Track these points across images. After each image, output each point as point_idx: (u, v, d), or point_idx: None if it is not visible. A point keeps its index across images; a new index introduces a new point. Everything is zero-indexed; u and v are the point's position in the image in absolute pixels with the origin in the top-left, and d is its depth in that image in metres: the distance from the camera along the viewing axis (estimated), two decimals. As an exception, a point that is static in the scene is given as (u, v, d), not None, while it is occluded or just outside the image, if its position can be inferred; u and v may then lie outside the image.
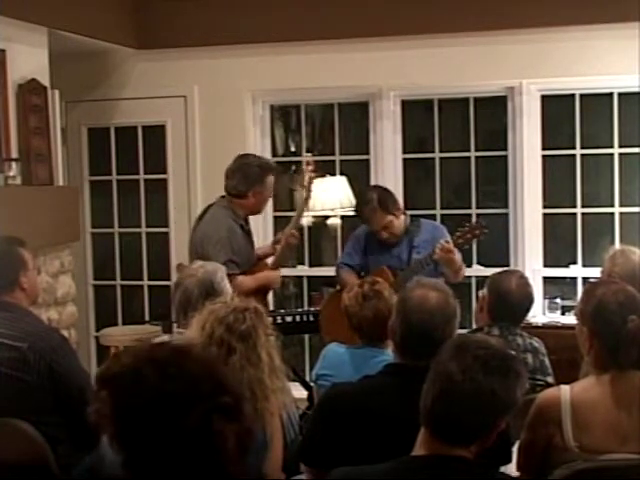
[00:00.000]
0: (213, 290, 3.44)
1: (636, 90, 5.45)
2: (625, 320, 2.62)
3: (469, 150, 5.92)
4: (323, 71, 5.88)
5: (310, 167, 5.01)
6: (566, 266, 5.82)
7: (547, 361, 3.61)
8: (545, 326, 5.33)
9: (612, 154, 5.67)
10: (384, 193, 4.85)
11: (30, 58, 5.18)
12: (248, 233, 4.74)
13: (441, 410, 2.02)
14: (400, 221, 4.81)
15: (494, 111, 6.03)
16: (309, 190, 4.91)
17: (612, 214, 5.70)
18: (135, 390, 1.51)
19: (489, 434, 2.04)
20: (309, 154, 6.42)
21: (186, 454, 1.49)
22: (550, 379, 3.53)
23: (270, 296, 6.21)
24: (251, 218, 5.62)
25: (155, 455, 1.50)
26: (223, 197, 4.72)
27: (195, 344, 1.65)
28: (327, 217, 6.48)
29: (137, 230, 6.41)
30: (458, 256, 4.62)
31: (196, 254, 4.51)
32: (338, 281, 4.99)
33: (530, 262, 5.74)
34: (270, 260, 4.96)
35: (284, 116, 6.71)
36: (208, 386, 1.52)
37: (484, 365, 2.01)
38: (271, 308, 5.77)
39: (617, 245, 5.21)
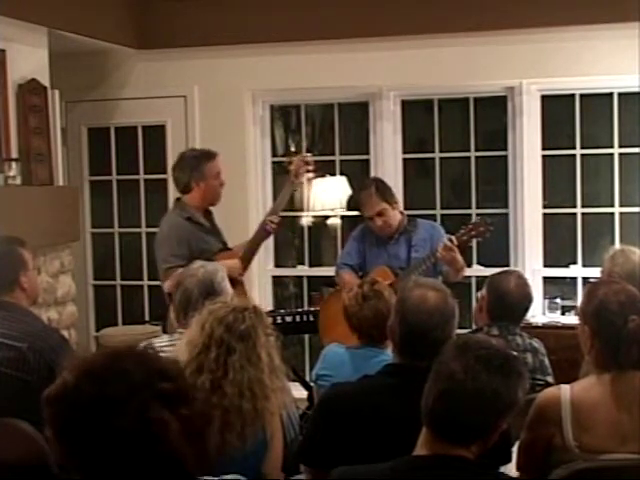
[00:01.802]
0: (213, 290, 3.44)
1: (636, 90, 5.45)
2: (626, 320, 2.63)
3: (469, 150, 5.92)
4: (323, 71, 5.88)
5: (303, 160, 4.96)
6: (566, 266, 5.82)
7: (547, 361, 3.61)
8: (545, 326, 5.33)
9: (612, 154, 5.67)
10: (383, 183, 4.92)
11: (30, 58, 5.18)
12: (203, 225, 4.67)
13: (443, 410, 2.02)
14: (395, 213, 4.82)
15: (494, 111, 6.03)
16: (296, 175, 4.87)
17: (612, 214, 5.70)
18: (72, 405, 1.52)
19: (490, 434, 2.04)
20: (309, 154, 6.43)
21: (130, 448, 1.49)
22: (550, 379, 3.53)
23: (270, 296, 6.24)
24: (251, 219, 5.63)
25: (104, 457, 1.51)
26: (177, 199, 4.76)
27: (135, 346, 1.67)
28: (327, 217, 6.49)
29: (137, 230, 6.40)
30: (459, 256, 4.64)
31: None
32: (338, 281, 4.99)
33: (530, 262, 5.74)
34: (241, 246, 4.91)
35: (284, 116, 6.72)
36: (140, 376, 1.52)
37: (486, 365, 2.01)
38: (271, 308, 5.77)
39: (617, 245, 5.21)
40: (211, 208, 4.77)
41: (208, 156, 4.68)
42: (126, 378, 1.51)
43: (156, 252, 4.62)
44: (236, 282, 4.64)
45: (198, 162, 4.64)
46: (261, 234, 4.84)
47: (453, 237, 4.61)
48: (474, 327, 4.06)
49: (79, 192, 5.88)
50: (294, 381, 4.84)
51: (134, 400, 1.49)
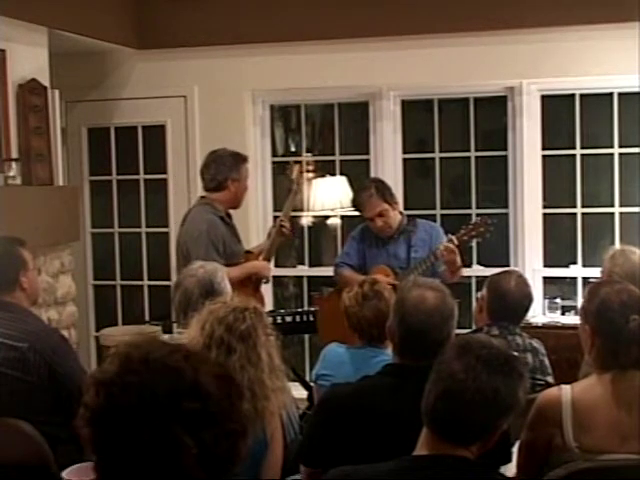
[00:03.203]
0: (213, 290, 3.45)
1: (636, 90, 5.45)
2: (627, 319, 2.63)
3: (469, 150, 5.92)
4: (323, 71, 5.88)
5: (301, 165, 5.06)
6: (566, 266, 5.82)
7: (547, 361, 3.62)
8: (545, 326, 5.33)
9: (612, 154, 5.67)
10: (382, 184, 4.94)
11: (30, 58, 5.18)
12: (231, 227, 4.76)
13: (444, 410, 2.02)
14: (395, 213, 4.84)
15: (494, 111, 6.03)
16: (297, 182, 4.99)
17: (612, 214, 5.70)
18: (108, 399, 1.47)
19: (491, 435, 2.04)
20: (309, 154, 6.43)
21: (141, 461, 1.44)
22: (550, 379, 3.54)
23: (270, 296, 6.24)
24: (250, 220, 5.63)
25: (117, 464, 1.47)
26: (202, 197, 4.80)
27: (179, 349, 1.55)
28: (327, 217, 6.49)
29: (137, 230, 6.40)
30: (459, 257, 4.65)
31: (182, 255, 4.61)
32: (338, 280, 4.99)
33: (530, 262, 5.74)
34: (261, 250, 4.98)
35: (284, 116, 6.71)
36: (165, 391, 1.44)
37: (487, 365, 2.01)
38: (271, 308, 5.78)
39: (617, 245, 5.21)
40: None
41: (244, 159, 4.79)
42: (149, 392, 1.44)
43: (191, 247, 4.55)
44: (258, 285, 4.70)
45: (236, 162, 4.73)
46: (278, 237, 4.93)
47: (453, 237, 4.61)
48: (474, 327, 4.06)
49: (79, 192, 5.87)
50: (294, 381, 4.85)
51: (154, 418, 1.43)
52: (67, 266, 5.45)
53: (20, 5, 4.91)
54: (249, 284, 4.63)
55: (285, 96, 6.16)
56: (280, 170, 6.34)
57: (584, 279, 5.61)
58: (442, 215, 5.90)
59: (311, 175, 6.45)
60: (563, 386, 2.67)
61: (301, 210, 6.52)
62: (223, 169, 4.69)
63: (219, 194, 4.69)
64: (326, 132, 6.52)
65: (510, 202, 5.80)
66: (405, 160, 5.99)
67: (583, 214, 5.77)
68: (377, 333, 3.41)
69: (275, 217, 6.15)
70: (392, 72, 5.80)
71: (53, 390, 3.22)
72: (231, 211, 4.86)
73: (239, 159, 4.75)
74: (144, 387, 1.45)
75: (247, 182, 4.80)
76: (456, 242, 4.58)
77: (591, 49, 5.48)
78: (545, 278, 5.80)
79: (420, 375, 2.15)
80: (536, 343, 3.64)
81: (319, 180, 6.43)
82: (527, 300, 3.69)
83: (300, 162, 5.17)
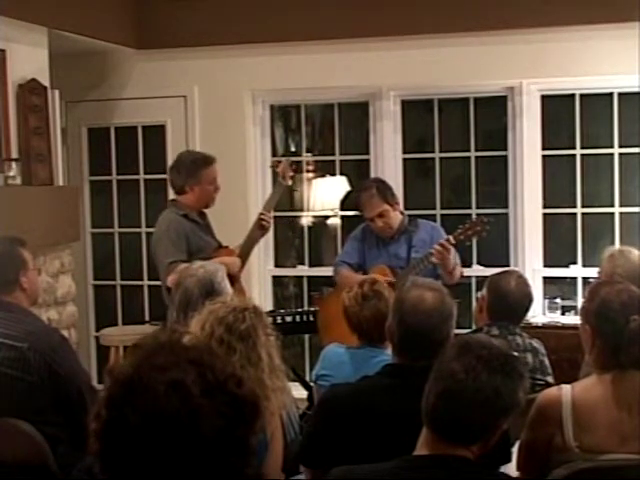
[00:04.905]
0: (213, 290, 3.45)
1: (636, 90, 5.45)
2: (628, 319, 2.63)
3: (469, 150, 5.92)
4: (323, 71, 5.88)
5: (288, 163, 5.05)
6: (566, 266, 5.82)
7: (547, 361, 3.62)
8: (545, 326, 5.33)
9: (612, 154, 5.67)
10: (383, 184, 4.95)
11: (30, 58, 5.18)
12: (201, 224, 4.76)
13: (443, 409, 2.02)
14: (396, 214, 4.85)
15: (494, 111, 6.02)
16: (283, 176, 4.96)
17: (612, 214, 5.70)
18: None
19: (491, 435, 2.04)
20: (309, 154, 6.44)
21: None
22: (550, 379, 3.53)
23: (270, 296, 6.25)
24: (251, 219, 5.63)
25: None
26: (171, 200, 4.87)
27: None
28: (327, 217, 6.49)
29: (137, 230, 6.40)
30: (452, 257, 4.63)
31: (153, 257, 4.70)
32: (337, 279, 4.99)
33: (530, 262, 5.74)
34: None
35: (284, 116, 6.71)
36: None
37: (487, 365, 2.02)
38: (271, 308, 5.78)
39: (613, 246, 5.20)
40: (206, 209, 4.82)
41: (205, 162, 4.74)
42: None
43: (155, 249, 4.65)
44: (235, 279, 4.68)
45: (195, 167, 4.71)
46: (256, 231, 4.90)
47: (450, 237, 4.62)
48: (474, 327, 4.06)
49: (79, 192, 5.88)
50: (294, 381, 4.85)
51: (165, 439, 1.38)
52: (67, 266, 5.45)
53: (20, 5, 4.91)
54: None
55: (285, 96, 6.16)
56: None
57: (584, 279, 5.60)
58: (442, 215, 5.90)
59: (311, 175, 6.45)
60: (563, 386, 2.67)
61: (301, 210, 6.53)
62: (180, 177, 4.73)
63: (182, 197, 4.74)
64: (326, 132, 6.52)
65: (510, 202, 5.80)
66: (405, 160, 5.99)
67: (583, 214, 5.77)
68: (377, 333, 3.41)
69: (275, 217, 6.16)
70: (392, 72, 5.80)
71: (53, 390, 3.22)
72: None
73: (198, 164, 4.72)
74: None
75: (215, 183, 4.72)
76: (453, 241, 4.58)
77: (591, 49, 5.48)
78: (545, 278, 5.80)
79: (419, 375, 2.15)
80: (536, 343, 3.64)
81: (319, 180, 6.44)
82: (527, 300, 3.69)
83: (291, 160, 5.14)
